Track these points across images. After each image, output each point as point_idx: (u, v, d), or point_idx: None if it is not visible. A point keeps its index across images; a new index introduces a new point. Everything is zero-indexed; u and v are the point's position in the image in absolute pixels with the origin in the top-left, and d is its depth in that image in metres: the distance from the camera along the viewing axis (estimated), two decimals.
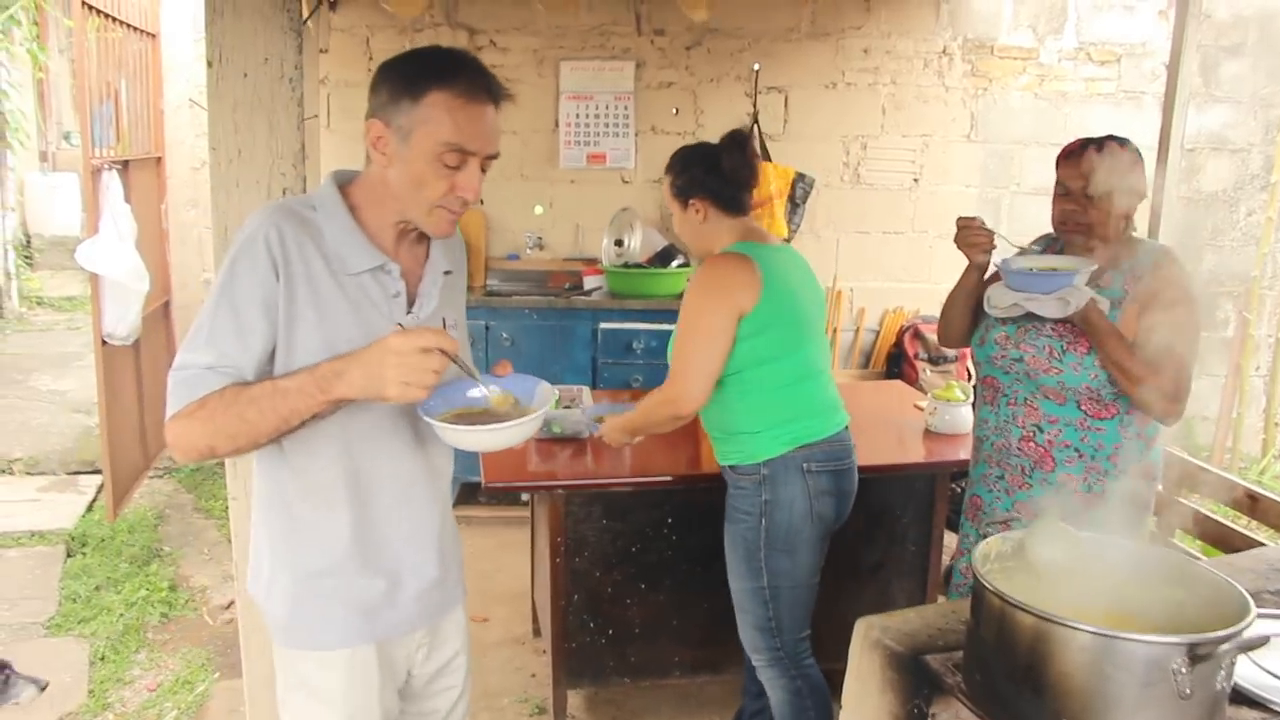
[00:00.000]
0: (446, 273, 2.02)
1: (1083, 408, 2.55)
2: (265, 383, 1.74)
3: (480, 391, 1.88)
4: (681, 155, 2.97)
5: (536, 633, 4.14)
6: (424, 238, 1.96)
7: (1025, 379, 2.61)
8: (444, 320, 2.00)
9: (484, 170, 1.84)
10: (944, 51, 5.87)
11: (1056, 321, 2.53)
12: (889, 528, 3.64)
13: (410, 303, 1.93)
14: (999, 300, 2.59)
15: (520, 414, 1.83)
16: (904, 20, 5.83)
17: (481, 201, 5.81)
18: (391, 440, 1.92)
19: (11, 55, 8.82)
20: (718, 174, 2.89)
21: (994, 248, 2.68)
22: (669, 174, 2.97)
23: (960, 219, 2.71)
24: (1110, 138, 2.63)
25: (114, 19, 5.08)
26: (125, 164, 5.14)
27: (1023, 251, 2.80)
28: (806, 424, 2.84)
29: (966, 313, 2.82)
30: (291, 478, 1.91)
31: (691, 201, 2.91)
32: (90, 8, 4.71)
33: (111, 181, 4.86)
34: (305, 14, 3.02)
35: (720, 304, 2.75)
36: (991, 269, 2.72)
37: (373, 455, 1.92)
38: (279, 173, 2.59)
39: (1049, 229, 2.76)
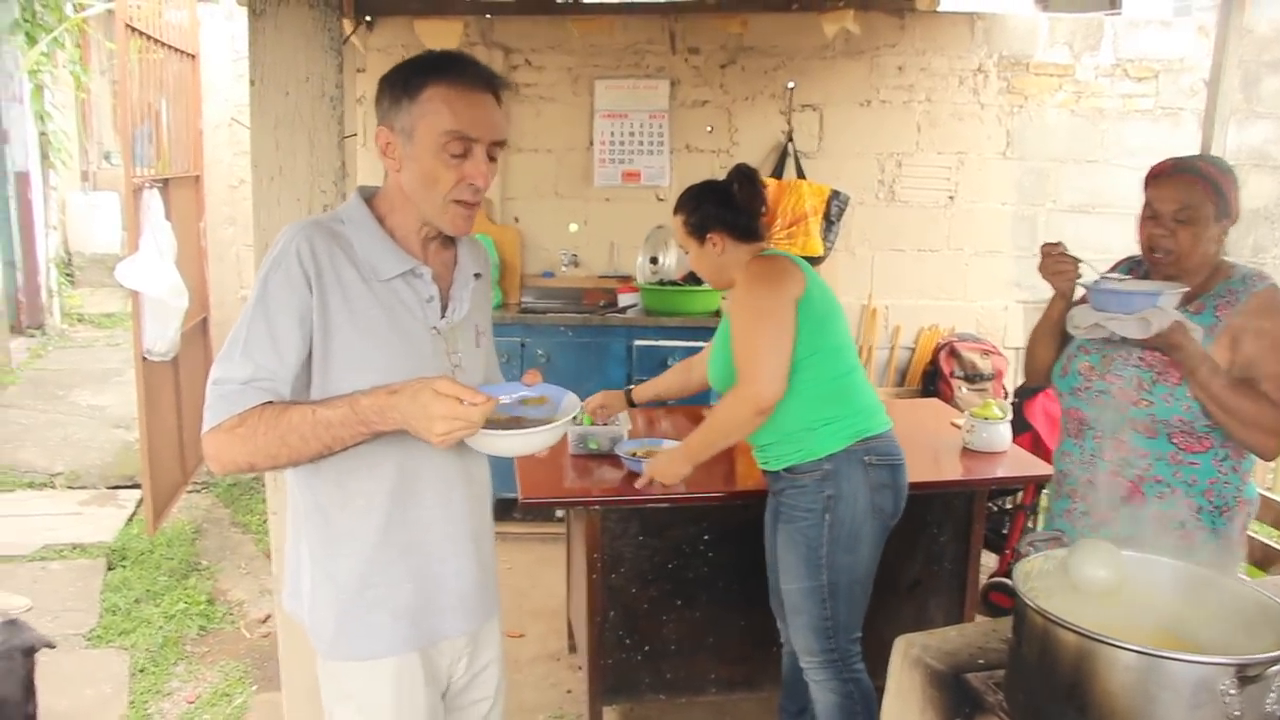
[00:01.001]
0: (476, 275, 2.06)
1: (1174, 441, 2.41)
2: (305, 410, 1.76)
3: (508, 399, 1.94)
4: (692, 194, 3.03)
5: (572, 649, 4.13)
6: (450, 243, 2.01)
7: (1112, 411, 2.48)
8: (475, 327, 2.06)
9: (492, 158, 1.88)
10: (979, 69, 5.85)
11: (1144, 351, 2.41)
12: (926, 546, 3.61)
13: (444, 307, 1.97)
14: (1081, 320, 2.46)
15: (546, 422, 1.88)
16: (938, 38, 5.83)
17: (517, 219, 5.86)
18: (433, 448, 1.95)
19: (55, 77, 8.94)
20: (731, 206, 2.97)
21: (1079, 276, 2.54)
22: (681, 214, 3.03)
23: (1044, 246, 2.58)
24: (1200, 158, 2.51)
25: (155, 40, 5.14)
26: (165, 182, 5.20)
27: (1106, 276, 2.68)
28: (864, 419, 2.90)
29: (1053, 345, 2.69)
30: (332, 490, 1.93)
31: (709, 236, 2.97)
32: (133, 29, 4.77)
33: (152, 200, 4.91)
34: (346, 34, 3.05)
35: (776, 291, 2.82)
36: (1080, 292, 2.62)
37: (418, 462, 1.94)
38: (319, 190, 2.62)
39: (1086, 247, 2.69)
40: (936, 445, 3.75)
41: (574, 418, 1.91)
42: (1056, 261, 2.54)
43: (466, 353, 2.01)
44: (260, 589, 4.76)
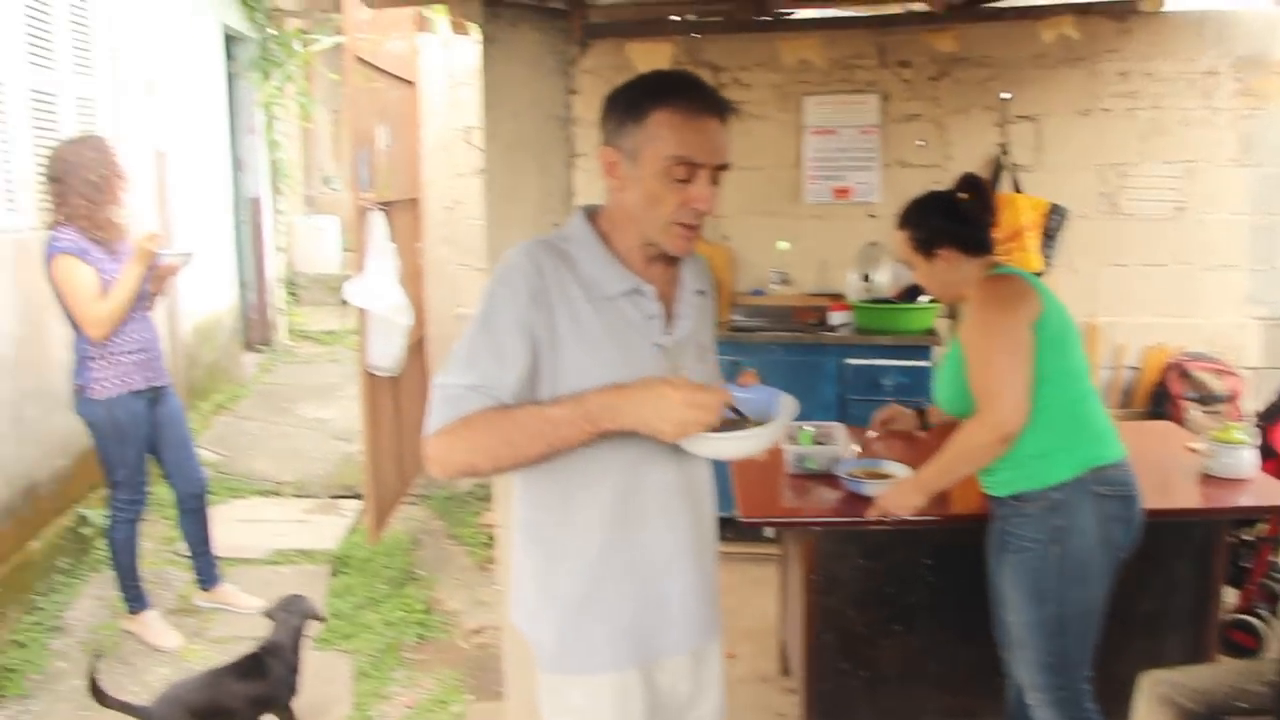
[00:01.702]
0: (699, 293, 2.06)
1: None
2: (532, 408, 1.81)
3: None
4: (917, 207, 2.94)
5: (784, 671, 4.09)
6: (674, 260, 2.00)
7: None
8: (698, 343, 2.05)
9: (716, 182, 1.88)
10: (1210, 70, 5.55)
11: None
12: (1161, 578, 3.42)
13: (668, 323, 1.96)
14: None
15: (761, 424, 1.87)
16: (1165, 41, 5.56)
17: (726, 237, 5.86)
18: (658, 454, 1.93)
19: (284, 108, 9.44)
20: (958, 218, 2.88)
21: None
22: (906, 229, 2.93)
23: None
24: None
25: (378, 69, 5.37)
26: (388, 205, 5.42)
27: None
28: (1096, 447, 2.77)
29: None
30: (556, 503, 1.95)
31: (938, 252, 2.87)
32: (360, 60, 5.00)
33: (377, 221, 5.12)
34: (573, 57, 3.11)
35: (1012, 314, 2.71)
36: None
37: (641, 478, 1.94)
38: (549, 209, 2.67)
39: None
40: (1170, 470, 3.55)
41: (792, 427, 1.92)
42: None
43: (690, 369, 1.99)
44: (474, 600, 4.89)
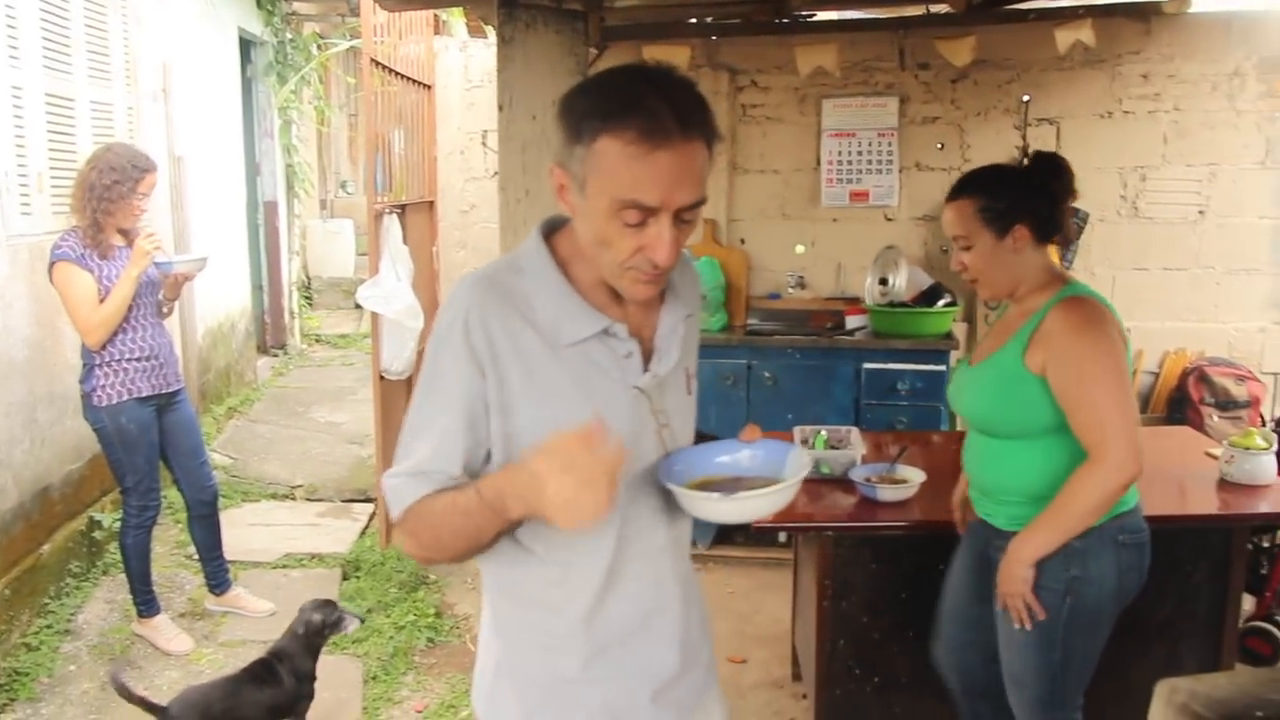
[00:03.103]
0: (686, 316, 1.74)
1: None
2: (446, 497, 1.53)
3: (729, 457, 1.71)
4: (995, 174, 2.63)
5: (796, 677, 4.04)
6: None
7: None
8: (686, 371, 1.75)
9: (687, 221, 1.52)
10: (1235, 72, 5.49)
11: None
12: (1178, 585, 3.36)
13: (646, 359, 1.65)
14: None
15: (769, 483, 1.62)
16: (1188, 42, 5.50)
17: (743, 240, 5.83)
18: (644, 514, 1.67)
19: (300, 112, 9.47)
20: (1045, 195, 2.57)
21: None
22: (979, 197, 2.56)
23: None
24: None
25: (395, 73, 5.37)
26: (403, 208, 5.40)
27: None
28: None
29: None
30: (531, 576, 1.69)
31: (1014, 228, 2.54)
32: (377, 64, 4.99)
33: (391, 225, 5.11)
34: (591, 58, 3.09)
35: (1113, 343, 2.45)
36: None
37: (632, 540, 1.67)
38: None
39: None
40: (1188, 476, 3.50)
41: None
42: None
43: (676, 408, 1.71)
44: None
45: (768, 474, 1.67)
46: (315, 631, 3.57)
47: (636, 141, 1.43)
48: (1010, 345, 2.58)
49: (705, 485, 1.64)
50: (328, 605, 3.67)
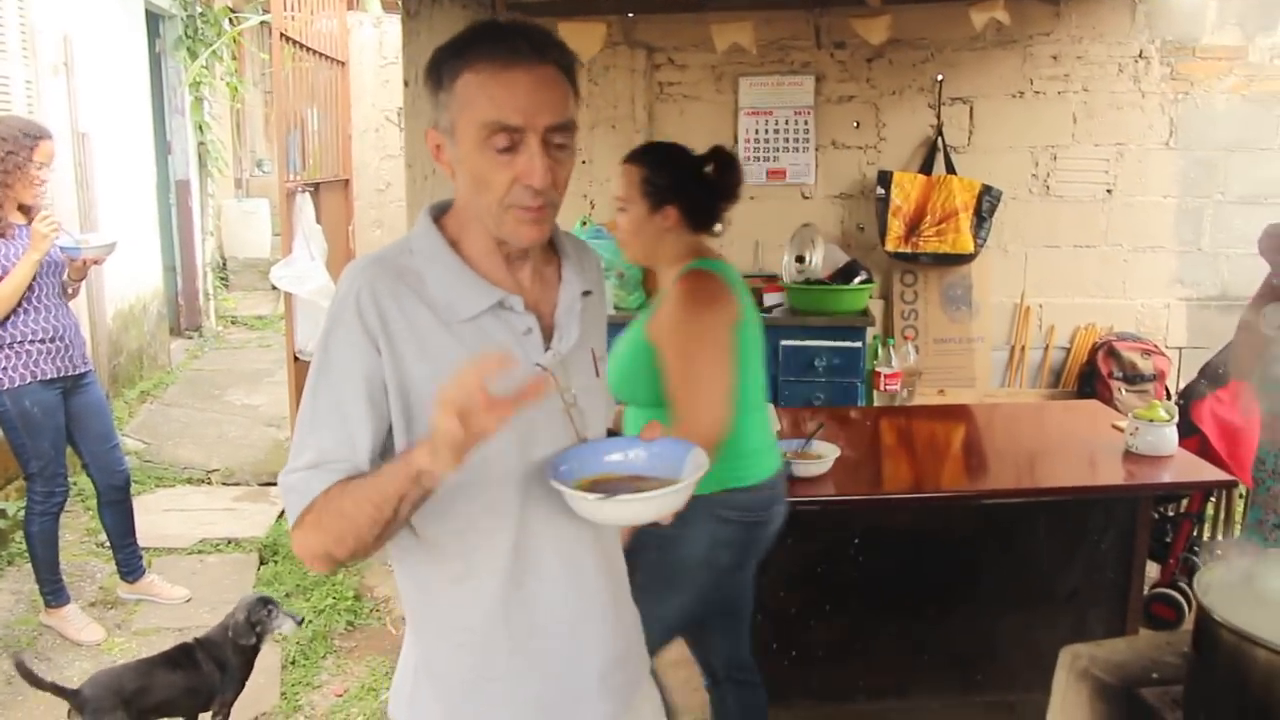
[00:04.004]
0: (586, 294, 1.71)
1: None
2: (354, 480, 1.49)
3: (621, 456, 1.63)
4: (665, 151, 2.68)
5: None
6: (551, 256, 1.70)
7: None
8: (592, 352, 1.72)
9: (558, 146, 1.51)
10: (1140, 55, 5.60)
11: None
12: (1086, 554, 3.46)
13: (547, 338, 1.62)
14: (1274, 318, 2.33)
15: (665, 484, 1.52)
16: (1097, 24, 5.60)
17: None
18: (553, 498, 1.55)
19: (213, 89, 9.29)
20: (703, 184, 2.65)
21: None
22: (644, 168, 2.61)
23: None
24: None
25: (307, 48, 5.27)
26: (316, 187, 5.33)
27: None
28: (741, 466, 2.59)
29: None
30: (431, 568, 1.64)
31: (666, 207, 2.60)
32: (287, 38, 4.90)
33: (305, 204, 5.03)
34: None
35: (714, 314, 2.50)
36: None
37: (541, 524, 1.61)
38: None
39: (1256, 241, 2.50)
40: (1096, 448, 3.58)
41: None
42: None
43: (584, 387, 1.66)
44: None
45: (665, 474, 1.58)
46: (240, 632, 3.43)
47: (491, 65, 1.48)
48: (642, 316, 2.66)
49: (599, 484, 1.55)
50: (260, 603, 3.52)
